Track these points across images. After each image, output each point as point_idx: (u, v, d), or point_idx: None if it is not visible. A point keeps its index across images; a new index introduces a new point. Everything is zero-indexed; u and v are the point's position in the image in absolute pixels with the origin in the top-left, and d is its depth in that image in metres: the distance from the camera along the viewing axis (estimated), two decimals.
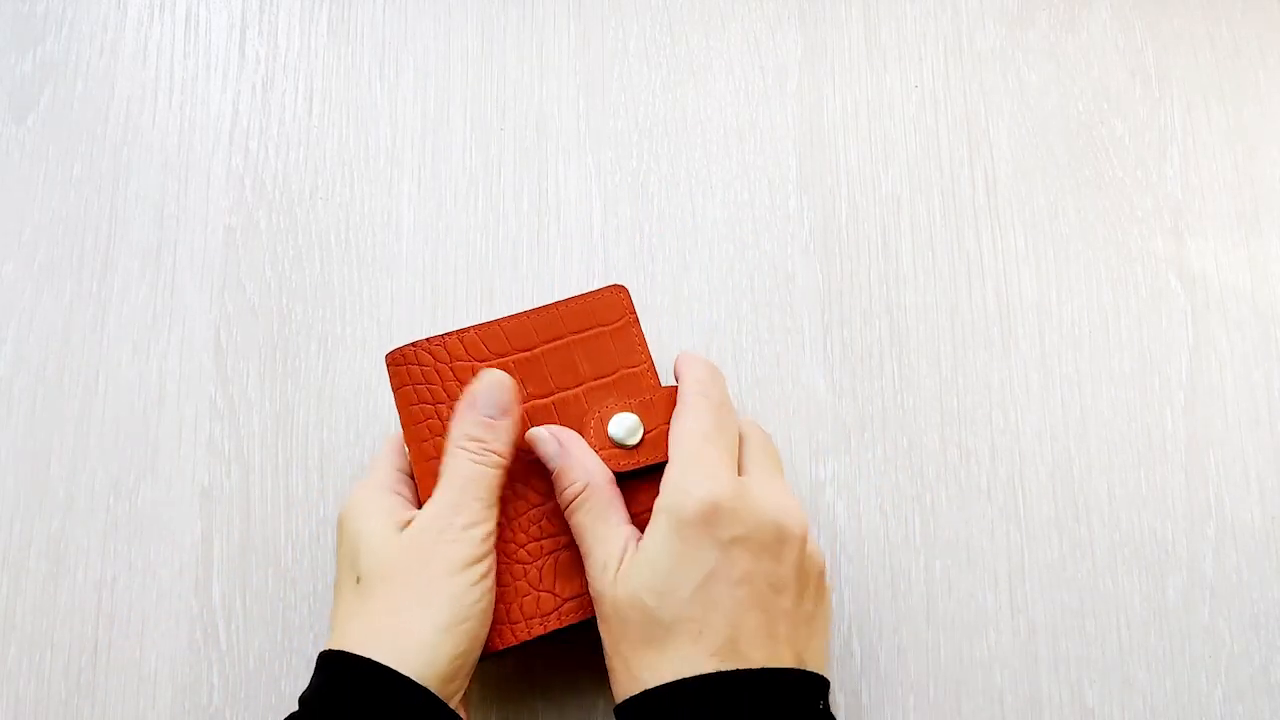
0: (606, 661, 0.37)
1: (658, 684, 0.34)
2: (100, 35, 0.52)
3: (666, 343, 0.49)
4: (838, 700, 0.45)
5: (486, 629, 0.37)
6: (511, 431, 0.39)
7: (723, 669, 0.33)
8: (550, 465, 0.39)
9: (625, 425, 0.40)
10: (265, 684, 0.45)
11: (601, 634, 0.37)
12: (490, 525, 0.38)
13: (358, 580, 0.37)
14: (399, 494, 0.40)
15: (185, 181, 0.50)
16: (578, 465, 0.39)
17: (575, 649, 0.43)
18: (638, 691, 0.35)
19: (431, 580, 0.36)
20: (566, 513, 0.39)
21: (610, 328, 0.43)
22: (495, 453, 0.39)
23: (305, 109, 0.52)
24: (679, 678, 0.34)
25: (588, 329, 0.43)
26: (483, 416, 0.39)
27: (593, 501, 0.38)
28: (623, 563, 0.36)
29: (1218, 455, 0.49)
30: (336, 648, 0.36)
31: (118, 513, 0.46)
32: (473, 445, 0.38)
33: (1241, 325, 0.51)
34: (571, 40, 0.53)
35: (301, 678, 0.45)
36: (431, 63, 0.53)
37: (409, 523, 0.38)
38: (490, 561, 0.38)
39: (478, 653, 0.37)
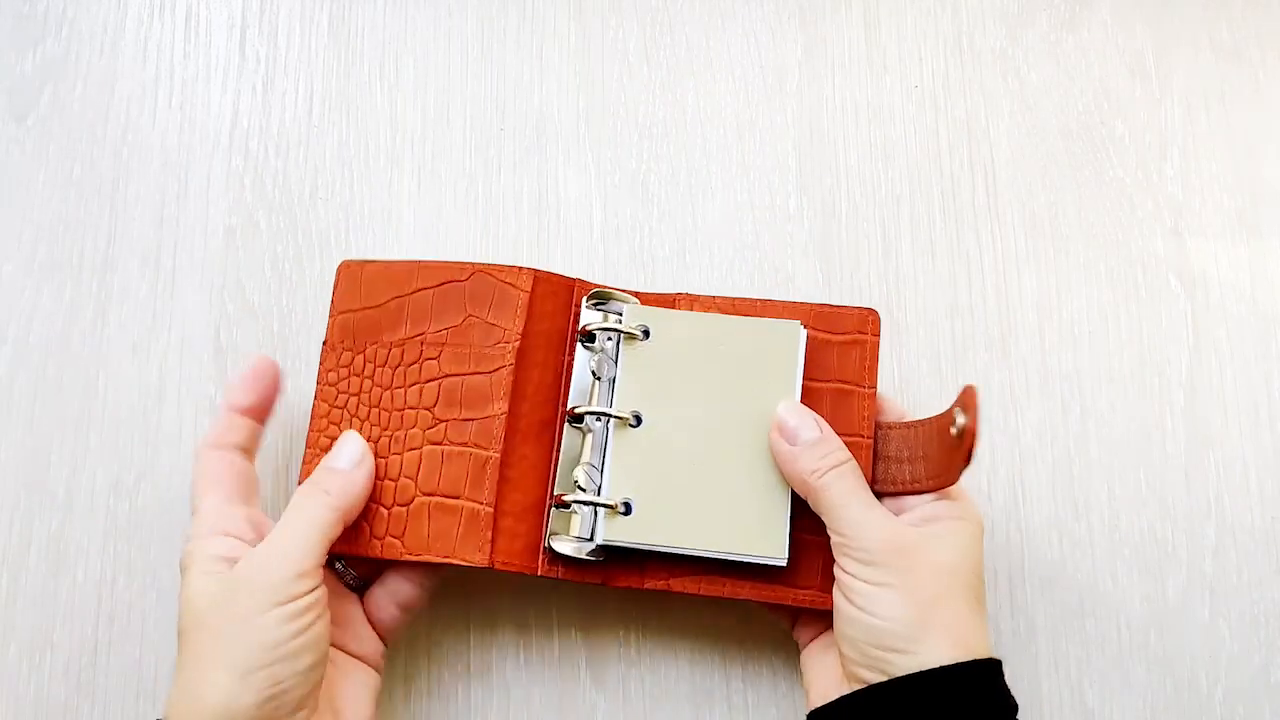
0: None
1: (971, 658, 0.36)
2: (100, 35, 0.52)
3: None
4: None
5: (309, 671, 0.35)
6: (357, 484, 0.39)
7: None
8: (807, 436, 0.39)
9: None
10: None
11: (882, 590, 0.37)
12: (315, 573, 0.36)
13: (179, 635, 0.36)
14: (230, 536, 0.38)
15: (185, 181, 0.50)
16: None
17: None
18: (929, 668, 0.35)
19: (237, 623, 0.34)
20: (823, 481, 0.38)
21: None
22: (328, 492, 0.38)
23: (305, 109, 0.52)
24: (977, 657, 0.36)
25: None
26: (330, 464, 0.40)
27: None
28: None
29: (1218, 455, 0.49)
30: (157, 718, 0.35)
31: (118, 513, 0.46)
32: (311, 487, 0.39)
33: (1241, 325, 0.51)
34: (571, 40, 0.54)
35: None
36: (431, 63, 0.53)
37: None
38: (314, 599, 0.36)
39: (302, 692, 0.35)
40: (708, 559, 0.40)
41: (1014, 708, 0.36)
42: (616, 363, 0.42)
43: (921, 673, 0.35)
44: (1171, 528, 0.48)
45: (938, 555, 0.37)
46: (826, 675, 0.39)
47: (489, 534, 0.40)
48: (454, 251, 0.50)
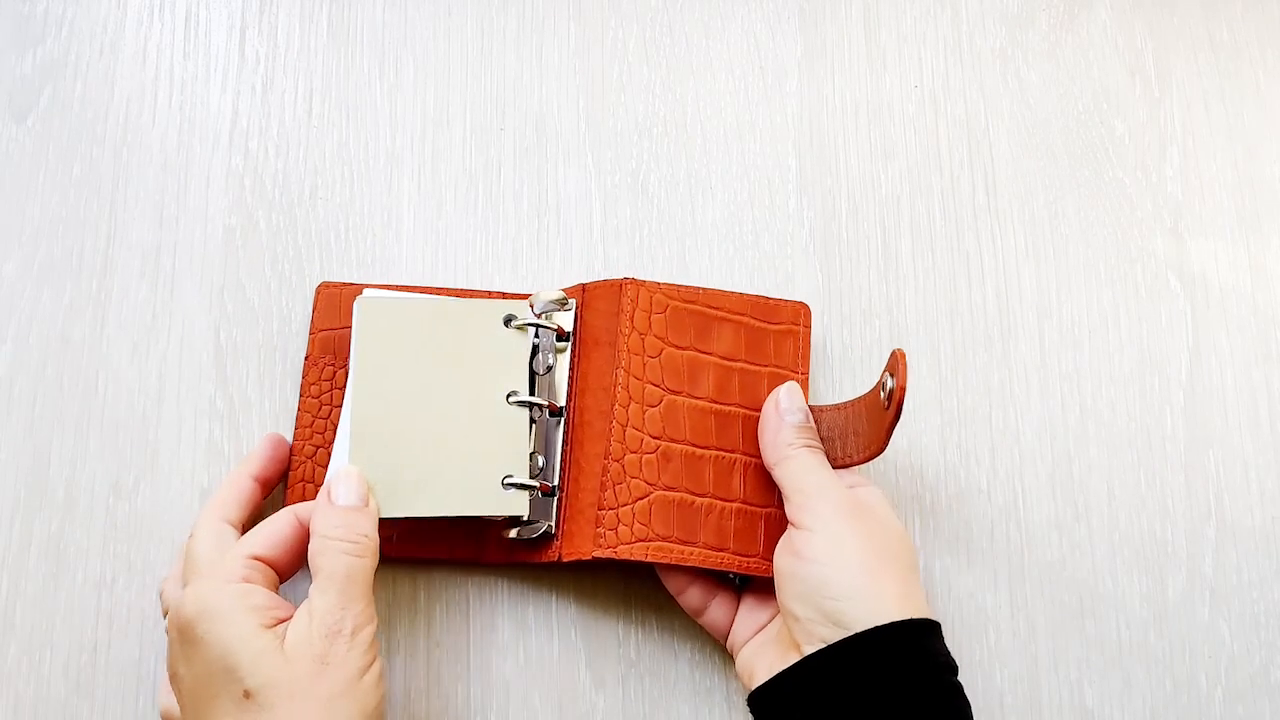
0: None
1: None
2: (100, 35, 0.52)
3: None
4: None
5: None
6: (375, 517, 0.40)
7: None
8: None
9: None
10: None
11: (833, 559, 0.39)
12: (375, 624, 0.37)
13: (245, 695, 0.35)
14: (253, 582, 0.38)
15: (185, 181, 0.50)
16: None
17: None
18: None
19: (334, 697, 0.35)
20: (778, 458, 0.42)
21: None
22: (367, 536, 0.38)
23: (305, 109, 0.52)
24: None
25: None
26: (343, 506, 0.39)
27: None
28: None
29: (1218, 455, 0.49)
30: None
31: (118, 513, 0.46)
32: (342, 536, 0.38)
33: (1241, 325, 0.51)
34: (571, 40, 0.54)
35: None
36: (431, 63, 0.53)
37: (281, 622, 0.36)
38: (381, 662, 0.37)
39: None
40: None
41: (953, 667, 0.39)
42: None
43: (858, 634, 0.37)
44: (1171, 528, 0.48)
45: (878, 517, 0.41)
46: (769, 659, 0.41)
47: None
48: (454, 251, 0.50)
